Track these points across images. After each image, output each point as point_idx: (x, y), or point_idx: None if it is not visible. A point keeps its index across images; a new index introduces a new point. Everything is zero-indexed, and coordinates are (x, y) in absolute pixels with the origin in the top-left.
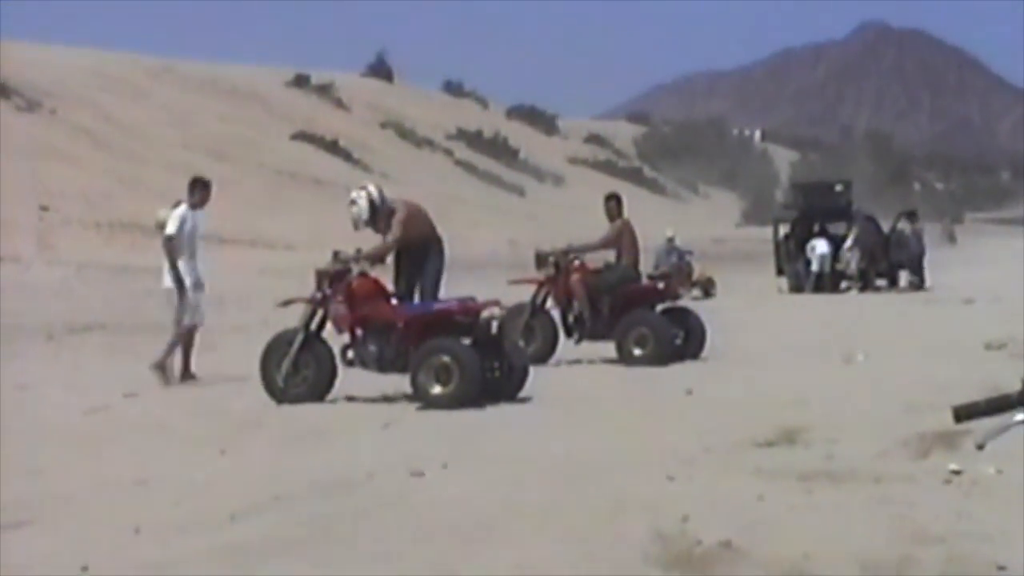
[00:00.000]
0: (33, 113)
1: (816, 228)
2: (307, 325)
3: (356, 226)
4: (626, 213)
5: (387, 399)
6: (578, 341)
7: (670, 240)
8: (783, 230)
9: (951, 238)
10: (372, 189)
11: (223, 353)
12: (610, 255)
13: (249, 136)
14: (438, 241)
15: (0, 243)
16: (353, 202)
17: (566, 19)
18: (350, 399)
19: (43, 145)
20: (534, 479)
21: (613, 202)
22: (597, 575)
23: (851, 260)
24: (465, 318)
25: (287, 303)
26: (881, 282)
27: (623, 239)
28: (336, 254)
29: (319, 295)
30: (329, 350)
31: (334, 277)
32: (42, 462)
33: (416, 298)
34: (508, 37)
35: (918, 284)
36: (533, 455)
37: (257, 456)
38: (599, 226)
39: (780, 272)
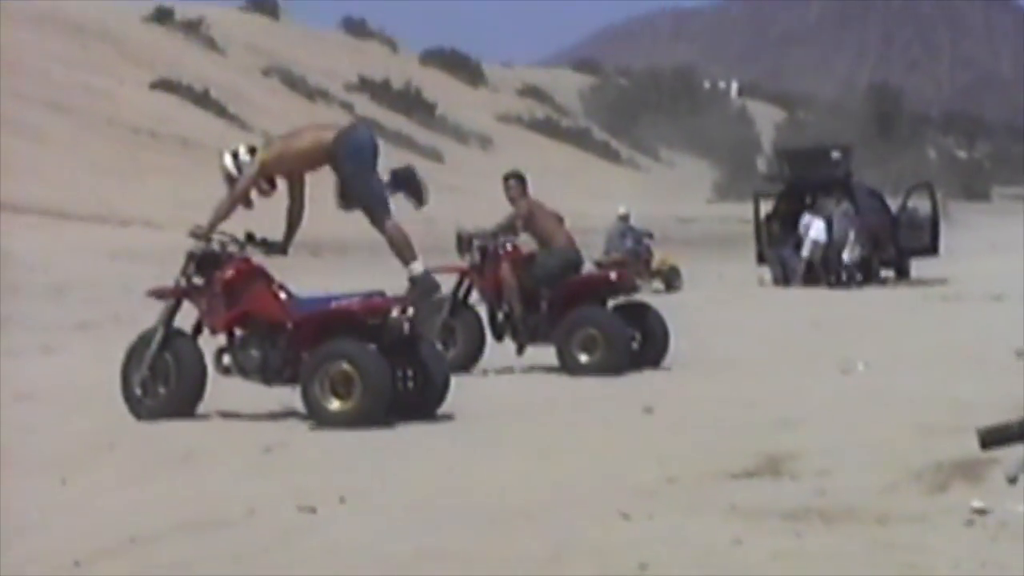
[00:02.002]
0: None
1: (807, 204)
2: (168, 321)
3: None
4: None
5: (272, 416)
6: (519, 351)
7: (623, 218)
8: (766, 207)
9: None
10: (232, 155)
11: (64, 357)
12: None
13: (98, 84)
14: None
15: None
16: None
17: None
18: (226, 416)
19: None
20: (455, 518)
21: (513, 182)
22: None
23: (851, 245)
24: (371, 319)
25: (158, 294)
26: (887, 273)
27: (536, 221)
28: (251, 236)
29: (183, 282)
30: (196, 351)
31: (204, 261)
32: None
33: None
34: None
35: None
36: (454, 488)
37: (108, 487)
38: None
39: (762, 260)
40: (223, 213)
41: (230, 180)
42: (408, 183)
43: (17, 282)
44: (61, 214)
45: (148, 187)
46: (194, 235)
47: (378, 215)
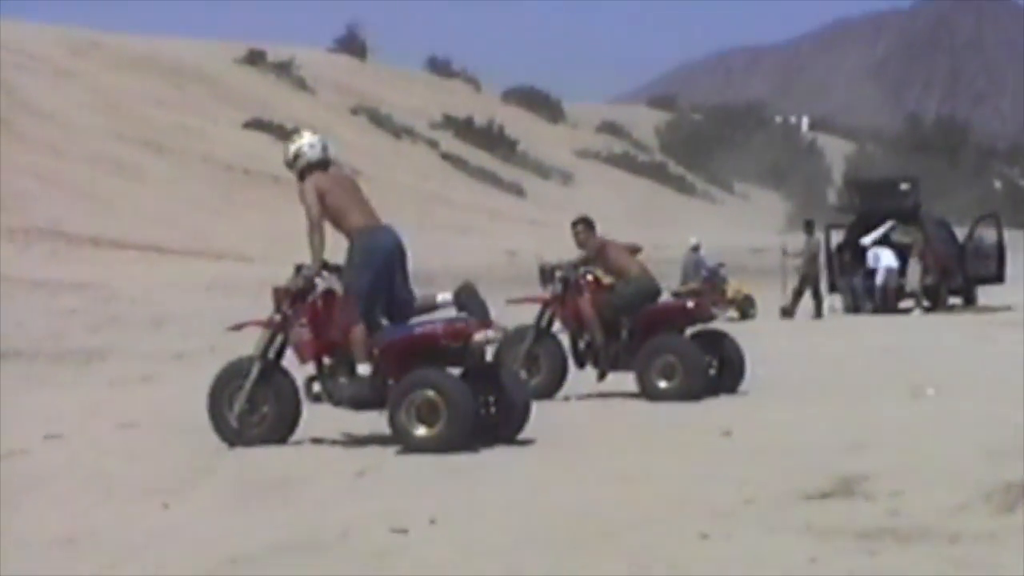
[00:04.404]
0: None
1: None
2: (265, 353)
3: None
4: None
5: (361, 442)
6: (600, 378)
7: (694, 249)
8: (837, 238)
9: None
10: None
11: (163, 386)
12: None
13: (193, 124)
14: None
15: None
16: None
17: None
18: (317, 442)
19: None
20: (539, 538)
21: (581, 227)
22: None
23: (916, 273)
24: (453, 343)
25: (239, 327)
26: (955, 300)
27: (608, 255)
28: (299, 268)
29: (278, 317)
30: (292, 383)
31: (295, 296)
32: None
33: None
34: (504, 5)
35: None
36: (537, 509)
37: (207, 510)
38: (613, 233)
39: (834, 288)
40: (317, 246)
41: (289, 164)
42: (470, 302)
43: (119, 314)
44: (159, 249)
45: (241, 222)
46: (305, 277)
47: (350, 312)
